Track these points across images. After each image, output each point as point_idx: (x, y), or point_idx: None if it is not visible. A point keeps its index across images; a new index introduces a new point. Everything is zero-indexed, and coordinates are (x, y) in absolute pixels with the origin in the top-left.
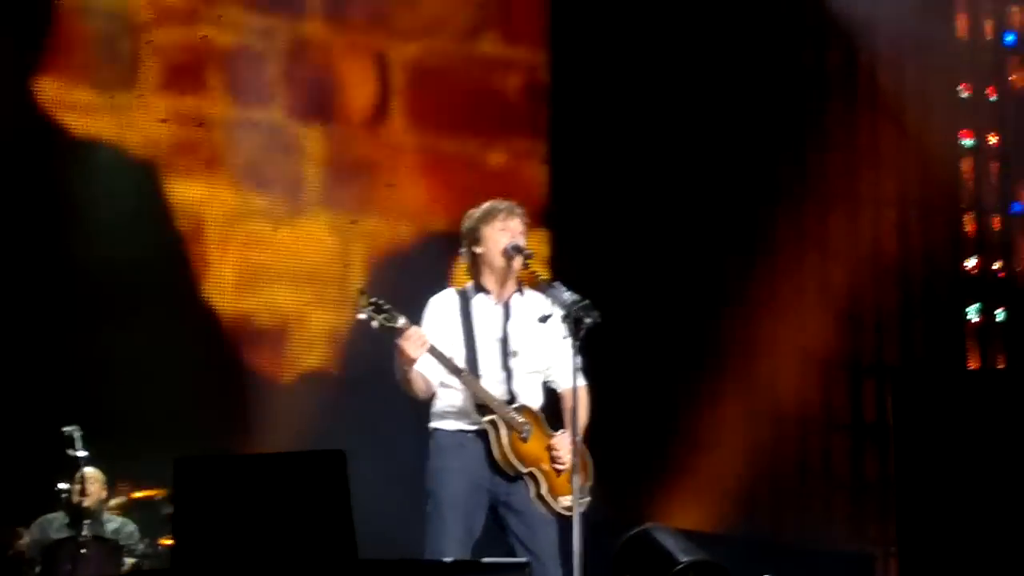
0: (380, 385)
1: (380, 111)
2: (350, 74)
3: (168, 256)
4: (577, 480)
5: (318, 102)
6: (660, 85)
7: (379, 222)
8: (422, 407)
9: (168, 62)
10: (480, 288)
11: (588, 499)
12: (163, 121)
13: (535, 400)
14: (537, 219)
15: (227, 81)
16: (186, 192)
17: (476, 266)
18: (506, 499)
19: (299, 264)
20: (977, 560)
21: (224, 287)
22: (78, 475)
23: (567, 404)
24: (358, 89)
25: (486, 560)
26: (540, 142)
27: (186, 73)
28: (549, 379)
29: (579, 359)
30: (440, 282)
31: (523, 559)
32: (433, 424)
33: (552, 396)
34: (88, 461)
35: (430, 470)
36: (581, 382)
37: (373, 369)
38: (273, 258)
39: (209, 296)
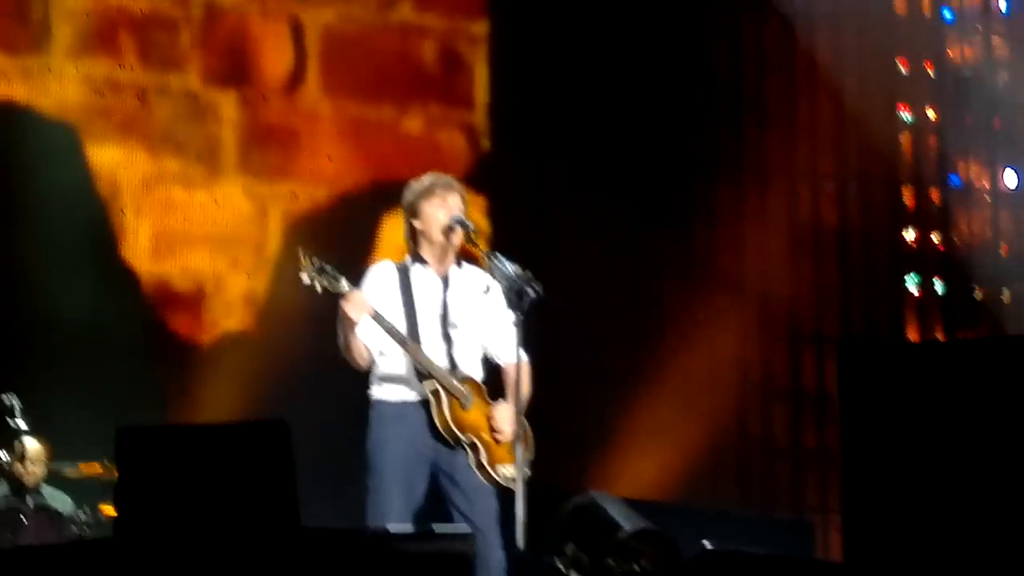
0: (299, 347)
1: (296, 77)
2: (265, 40)
3: (88, 221)
4: (520, 449)
5: (233, 68)
6: (596, 57)
7: (295, 187)
8: (338, 367)
9: (82, 27)
10: (419, 259)
11: (527, 472)
12: (79, 86)
13: (475, 372)
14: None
15: (141, 46)
16: (102, 157)
17: (415, 238)
18: (448, 468)
19: (216, 229)
20: (921, 529)
21: (141, 252)
22: (17, 444)
23: (508, 377)
24: (273, 55)
25: (430, 530)
26: (458, 109)
27: (100, 38)
28: (489, 352)
29: (519, 332)
30: (355, 246)
31: (467, 529)
32: (375, 394)
33: (491, 370)
34: (27, 432)
35: (371, 441)
36: (523, 356)
37: (292, 332)
38: (190, 222)
39: (128, 260)
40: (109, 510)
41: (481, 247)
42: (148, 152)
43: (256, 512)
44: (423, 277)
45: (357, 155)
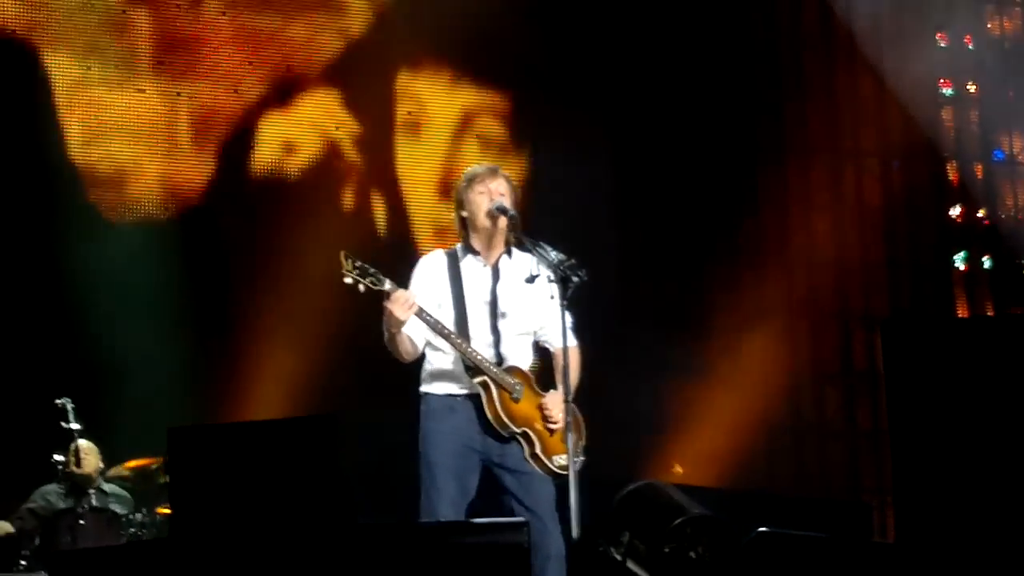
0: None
1: None
2: None
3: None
4: (571, 438)
5: None
6: (630, 44)
7: (200, 88)
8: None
9: None
10: (470, 250)
11: (582, 458)
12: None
13: (525, 361)
14: None
15: None
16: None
17: (465, 229)
18: (500, 460)
19: (134, 123)
20: (973, 508)
21: (73, 142)
22: (72, 446)
23: (558, 364)
24: None
25: (483, 520)
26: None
27: None
28: (541, 339)
29: (569, 318)
30: (248, 134)
31: (521, 519)
32: (423, 388)
33: (544, 356)
34: (82, 433)
35: (422, 433)
36: (572, 342)
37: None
38: (111, 118)
39: (64, 149)
40: (165, 510)
41: (523, 235)
42: (73, 59)
43: (310, 507)
44: (473, 267)
45: (251, 58)
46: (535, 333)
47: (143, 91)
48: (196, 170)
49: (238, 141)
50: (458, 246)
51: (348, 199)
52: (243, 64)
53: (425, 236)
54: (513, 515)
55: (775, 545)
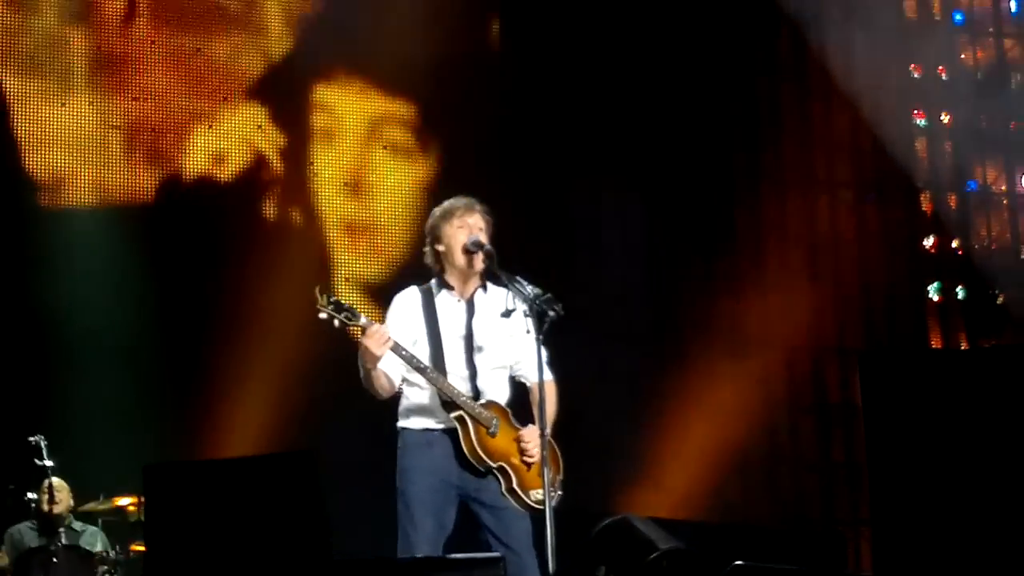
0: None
1: (130, 13)
2: None
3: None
4: (548, 473)
5: (81, 7)
6: (601, 68)
7: (129, 102)
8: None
9: None
10: (444, 285)
11: (559, 492)
12: None
13: (501, 395)
14: None
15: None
16: None
17: (439, 263)
18: (476, 495)
19: (72, 133)
20: (949, 537)
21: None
22: (45, 484)
23: (534, 398)
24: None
25: (460, 556)
26: (256, 38)
27: None
28: (517, 373)
29: (544, 353)
30: (176, 145)
31: (496, 554)
32: (400, 423)
33: (520, 391)
34: (55, 471)
35: (399, 468)
36: (548, 376)
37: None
38: (52, 128)
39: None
40: (139, 548)
41: (499, 270)
42: (17, 76)
43: (287, 543)
44: (448, 303)
45: (179, 74)
46: (511, 367)
47: (79, 104)
48: (130, 180)
49: (169, 152)
50: (432, 281)
51: (272, 206)
52: (172, 80)
53: (338, 234)
54: (489, 550)
55: None
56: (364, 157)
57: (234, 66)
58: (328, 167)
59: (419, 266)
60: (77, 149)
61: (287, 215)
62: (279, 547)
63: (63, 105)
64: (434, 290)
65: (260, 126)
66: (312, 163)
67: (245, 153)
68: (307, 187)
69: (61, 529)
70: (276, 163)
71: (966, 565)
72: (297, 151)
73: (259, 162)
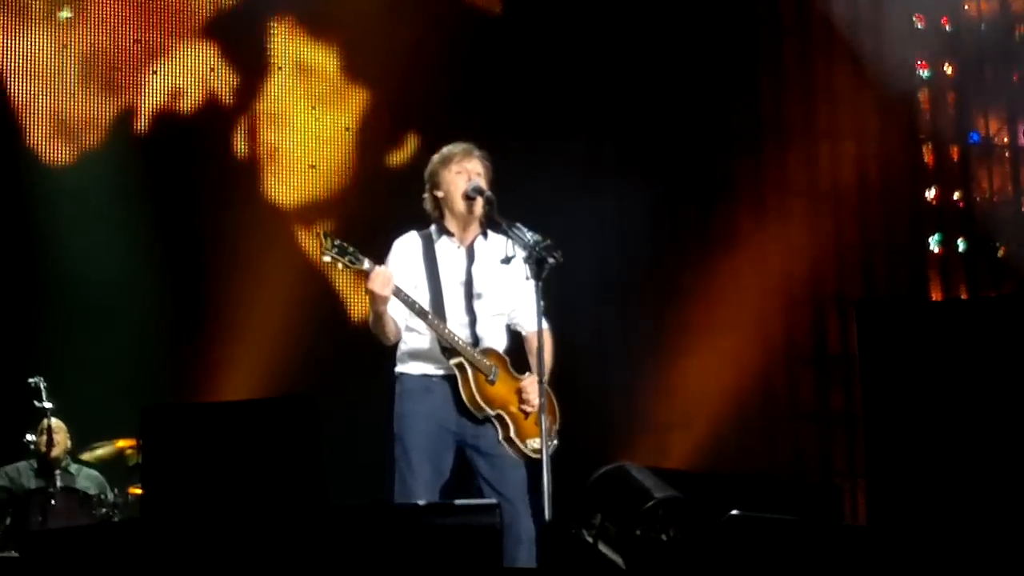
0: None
1: None
2: None
3: None
4: (545, 422)
5: None
6: (604, 26)
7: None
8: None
9: None
10: (444, 231)
11: (556, 442)
12: None
13: (499, 343)
14: None
15: None
16: None
17: (439, 209)
18: (474, 442)
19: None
20: (945, 490)
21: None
22: (44, 424)
23: (532, 346)
24: None
25: (456, 502)
26: None
27: None
28: (513, 321)
29: (541, 301)
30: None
31: (492, 500)
32: (399, 368)
33: (516, 339)
34: (54, 413)
35: (397, 414)
36: (544, 325)
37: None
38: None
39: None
40: (137, 491)
41: (499, 216)
42: None
43: (282, 487)
44: (447, 249)
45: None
46: (508, 315)
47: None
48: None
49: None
50: (432, 227)
51: (235, 141)
52: (132, 13)
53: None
54: (484, 497)
55: (747, 528)
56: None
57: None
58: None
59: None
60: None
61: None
62: (276, 490)
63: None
64: (434, 236)
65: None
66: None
67: (202, 91)
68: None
69: (57, 472)
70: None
71: (962, 516)
72: (252, 87)
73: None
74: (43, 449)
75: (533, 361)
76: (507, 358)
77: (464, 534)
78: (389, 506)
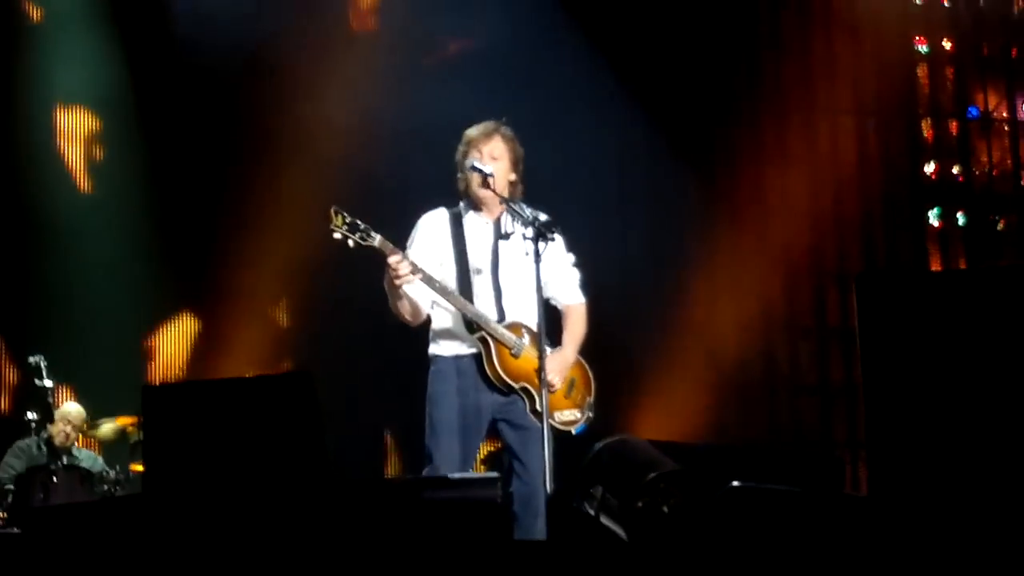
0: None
1: None
2: None
3: None
4: (545, 395)
5: None
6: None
7: None
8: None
9: None
10: (472, 207)
11: (590, 414)
12: None
13: (530, 316)
14: None
15: None
16: None
17: (467, 186)
18: (504, 415)
19: None
20: (946, 463)
21: None
22: (66, 413)
23: (565, 320)
24: None
25: (457, 476)
26: None
27: None
28: (548, 296)
29: (577, 275)
30: None
31: (493, 474)
32: (431, 349)
33: (553, 312)
34: (53, 392)
35: (429, 395)
36: (578, 299)
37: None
38: None
39: None
40: (139, 468)
41: (499, 193)
42: None
43: (283, 464)
44: (476, 224)
45: None
46: (544, 289)
47: None
48: None
49: None
50: (461, 204)
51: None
52: None
53: None
54: (511, 470)
55: (748, 499)
56: None
57: None
58: None
59: None
60: None
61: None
62: (277, 467)
63: None
64: (463, 211)
65: None
66: None
67: None
68: None
69: (64, 453)
70: None
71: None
72: None
73: None
74: (57, 440)
75: (564, 335)
76: (535, 331)
77: (464, 508)
78: (387, 481)
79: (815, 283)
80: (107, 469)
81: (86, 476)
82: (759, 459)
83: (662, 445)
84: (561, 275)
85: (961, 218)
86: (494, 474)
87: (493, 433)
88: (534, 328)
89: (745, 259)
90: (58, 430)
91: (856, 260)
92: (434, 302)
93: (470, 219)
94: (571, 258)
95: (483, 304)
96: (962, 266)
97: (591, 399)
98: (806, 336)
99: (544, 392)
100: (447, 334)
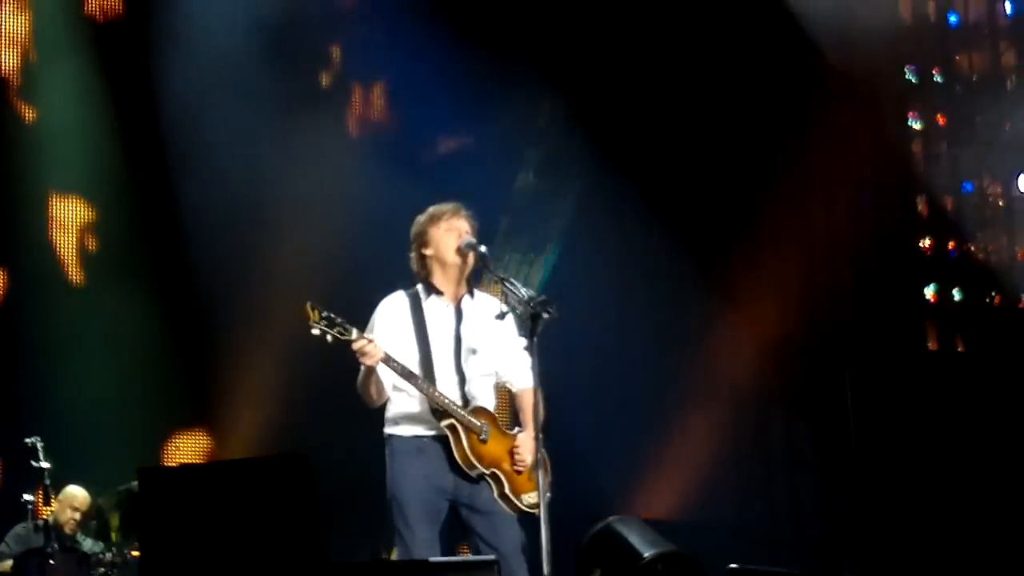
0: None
1: None
2: None
3: None
4: (542, 477)
5: None
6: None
7: None
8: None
9: None
10: (432, 289)
11: (549, 495)
12: None
13: (488, 401)
14: None
15: None
16: None
17: (426, 268)
18: (469, 501)
19: None
20: (939, 532)
21: None
22: (72, 498)
23: (523, 402)
24: None
25: (455, 559)
26: None
27: None
28: (502, 379)
29: (529, 359)
30: None
31: (491, 557)
32: (388, 430)
33: (503, 397)
34: (51, 473)
35: (390, 476)
36: (532, 382)
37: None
38: None
39: None
40: (136, 552)
41: (492, 271)
42: None
43: (281, 546)
44: (436, 307)
45: None
46: (496, 373)
47: None
48: None
49: None
50: (419, 286)
51: None
52: None
53: None
54: (480, 555)
55: None
56: None
57: None
58: None
59: None
60: None
61: None
62: (274, 550)
63: None
64: (422, 295)
65: None
66: None
67: None
68: None
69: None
70: None
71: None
72: None
73: None
74: (66, 530)
75: (525, 417)
76: (497, 416)
77: None
78: (389, 564)
79: (808, 363)
80: (104, 551)
81: (83, 558)
82: (757, 538)
83: (659, 525)
84: (515, 358)
85: (957, 294)
86: (491, 557)
87: (453, 520)
88: (494, 413)
89: (739, 335)
90: (67, 517)
91: (851, 335)
92: (393, 384)
93: (431, 303)
94: (523, 342)
95: (446, 388)
96: (958, 342)
97: (550, 480)
98: (803, 412)
99: (540, 474)
100: (407, 417)
